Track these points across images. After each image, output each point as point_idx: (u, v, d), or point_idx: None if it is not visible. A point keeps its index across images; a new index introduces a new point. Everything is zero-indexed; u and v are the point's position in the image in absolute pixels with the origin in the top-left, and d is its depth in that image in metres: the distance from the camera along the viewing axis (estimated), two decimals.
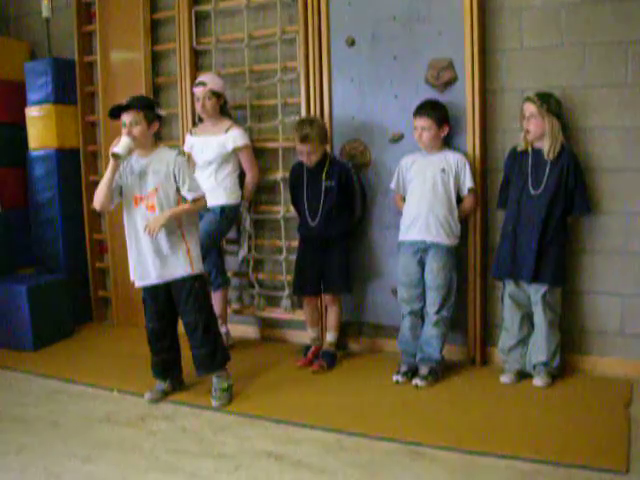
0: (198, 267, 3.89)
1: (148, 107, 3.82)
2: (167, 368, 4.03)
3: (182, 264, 3.82)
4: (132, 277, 3.91)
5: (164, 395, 4.00)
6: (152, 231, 3.69)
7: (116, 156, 3.67)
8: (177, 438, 3.47)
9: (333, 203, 4.33)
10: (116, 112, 3.80)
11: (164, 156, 3.83)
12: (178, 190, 3.81)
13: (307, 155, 4.30)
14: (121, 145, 3.67)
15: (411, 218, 4.14)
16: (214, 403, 3.86)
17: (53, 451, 3.36)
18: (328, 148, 4.53)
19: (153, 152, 3.84)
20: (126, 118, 3.74)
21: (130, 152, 3.73)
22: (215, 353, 3.91)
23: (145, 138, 3.78)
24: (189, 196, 3.79)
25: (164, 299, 3.91)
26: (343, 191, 4.36)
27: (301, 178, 4.43)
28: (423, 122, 4.08)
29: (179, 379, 4.10)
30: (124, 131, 3.73)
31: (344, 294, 4.52)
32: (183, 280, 3.84)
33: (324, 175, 4.34)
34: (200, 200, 3.85)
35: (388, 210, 4.50)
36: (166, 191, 3.78)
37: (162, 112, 3.93)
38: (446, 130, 4.12)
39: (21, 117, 5.55)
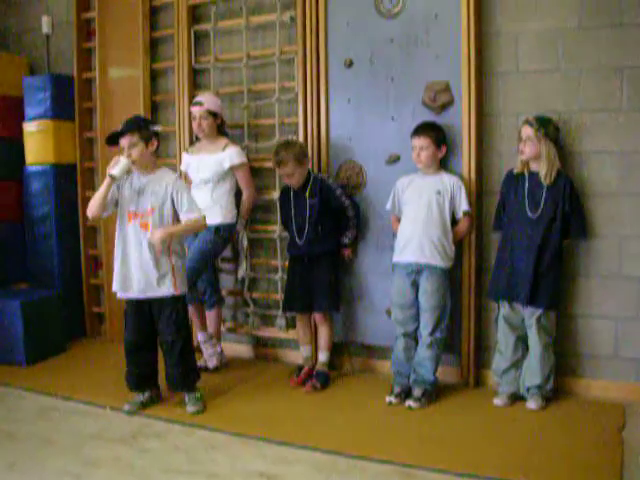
0: (181, 288, 3.98)
1: (143, 127, 3.89)
2: (143, 381, 4.08)
3: (166, 284, 3.90)
4: (114, 287, 3.98)
5: (142, 407, 4.04)
6: (156, 243, 3.76)
7: (112, 177, 3.75)
8: (169, 456, 3.45)
9: (317, 220, 4.35)
10: (113, 139, 3.89)
11: (164, 178, 3.92)
12: (175, 212, 3.88)
13: (287, 178, 4.35)
14: (119, 167, 3.76)
15: (405, 240, 4.14)
16: (189, 409, 3.97)
17: (44, 468, 3.33)
18: (323, 166, 4.60)
19: (154, 172, 3.93)
20: (123, 142, 3.84)
21: (128, 173, 3.83)
22: (188, 373, 4.04)
23: (144, 158, 3.87)
24: (188, 217, 3.88)
25: (146, 314, 3.99)
26: (326, 208, 4.38)
27: (289, 198, 4.47)
28: (421, 142, 4.09)
29: (156, 392, 4.15)
30: (125, 153, 3.81)
31: (331, 312, 4.52)
32: (165, 300, 3.93)
33: (307, 193, 4.37)
34: (199, 220, 3.93)
35: (382, 231, 4.50)
36: (162, 213, 3.87)
37: (158, 128, 4.00)
38: (444, 151, 4.13)
39: (19, 132, 5.56)
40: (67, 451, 3.54)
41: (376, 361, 4.69)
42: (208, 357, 4.68)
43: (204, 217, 3.98)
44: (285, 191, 4.54)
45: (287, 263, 4.64)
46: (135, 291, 3.91)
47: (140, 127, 3.88)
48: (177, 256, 3.93)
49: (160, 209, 3.86)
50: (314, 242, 4.38)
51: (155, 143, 3.92)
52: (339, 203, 4.41)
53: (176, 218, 3.92)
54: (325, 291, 4.41)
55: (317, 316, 4.49)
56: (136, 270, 3.87)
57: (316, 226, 4.36)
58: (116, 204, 3.93)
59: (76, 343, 5.51)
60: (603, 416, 3.79)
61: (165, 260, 3.87)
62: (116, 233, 3.95)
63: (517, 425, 3.73)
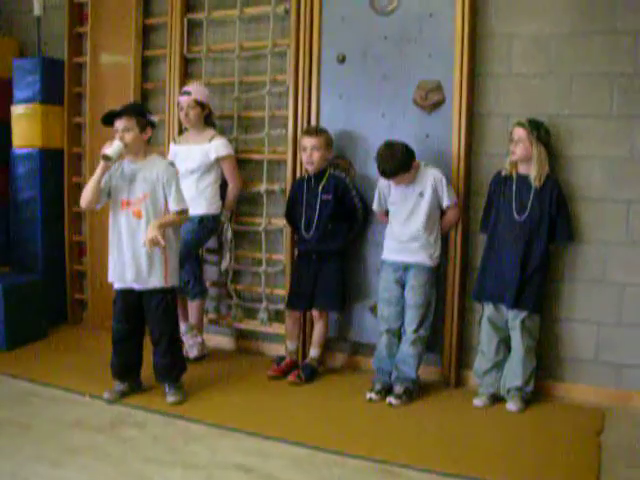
0: (172, 281, 3.99)
1: (141, 114, 3.90)
2: (127, 370, 4.09)
3: (157, 275, 3.90)
4: (110, 277, 3.99)
5: (122, 396, 4.04)
6: (155, 244, 3.73)
7: (106, 158, 3.74)
8: (148, 446, 3.44)
9: (329, 217, 4.34)
10: (109, 118, 3.87)
11: (155, 165, 3.92)
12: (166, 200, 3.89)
13: (310, 151, 4.31)
14: (113, 148, 3.75)
15: (393, 240, 4.16)
16: (169, 399, 3.97)
17: (22, 454, 3.31)
18: None
19: (145, 159, 3.93)
20: (119, 124, 3.82)
21: (121, 156, 3.81)
22: (175, 365, 4.06)
23: (137, 144, 3.86)
24: (174, 207, 3.88)
25: (135, 304, 4.00)
26: (340, 205, 4.36)
27: (301, 191, 4.45)
28: (398, 179, 4.07)
29: (137, 382, 4.15)
30: (117, 136, 3.80)
31: (333, 311, 4.54)
32: (155, 291, 3.93)
33: (321, 188, 4.35)
34: (184, 213, 3.95)
35: (373, 228, 4.50)
36: (154, 199, 3.86)
37: (155, 119, 4.01)
38: (416, 166, 4.07)
39: (7, 114, 5.51)
40: (45, 437, 3.52)
41: (360, 357, 4.69)
42: (189, 347, 4.67)
43: (188, 210, 4.00)
44: (297, 183, 4.54)
45: (281, 257, 4.68)
46: (129, 281, 3.92)
47: (138, 113, 3.90)
48: (170, 248, 3.92)
49: (152, 196, 3.86)
50: (324, 239, 4.37)
51: (149, 132, 3.94)
52: (352, 204, 4.40)
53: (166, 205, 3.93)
54: (330, 290, 4.41)
55: (315, 312, 4.49)
56: (128, 259, 3.88)
57: (327, 223, 4.35)
58: (108, 194, 3.91)
59: (57, 329, 5.48)
60: (582, 420, 3.82)
61: (157, 251, 3.86)
62: (109, 222, 3.95)
63: (496, 426, 3.74)
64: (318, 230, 4.37)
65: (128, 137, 3.80)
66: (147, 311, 3.98)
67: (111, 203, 3.93)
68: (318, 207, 4.36)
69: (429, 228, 4.09)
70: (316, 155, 4.31)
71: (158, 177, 3.86)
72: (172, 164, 4.03)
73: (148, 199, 3.85)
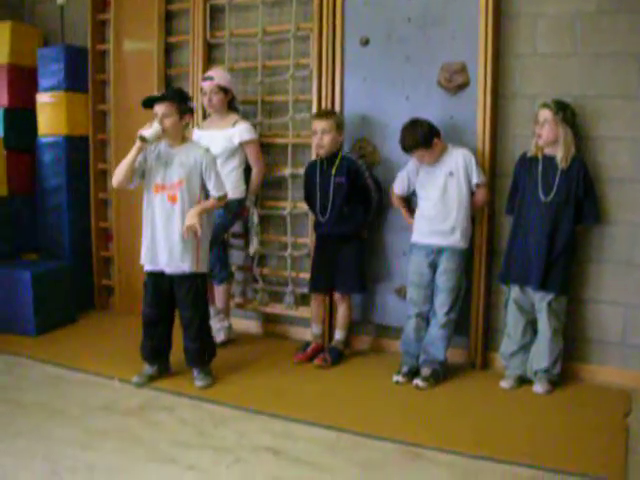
0: (203, 267, 4.02)
1: (181, 100, 3.90)
2: (156, 354, 4.12)
3: (189, 260, 3.91)
4: (142, 260, 4.01)
5: (150, 380, 4.08)
6: (193, 230, 3.78)
7: (143, 139, 3.74)
8: (176, 430, 3.48)
9: (343, 200, 4.32)
10: (150, 103, 3.88)
11: (192, 150, 3.93)
12: (203, 186, 3.91)
13: (321, 135, 4.29)
14: (151, 131, 3.76)
15: (426, 222, 4.14)
16: (198, 384, 4.00)
17: (52, 437, 3.36)
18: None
19: (182, 145, 3.94)
20: (158, 109, 3.83)
21: (158, 140, 3.83)
22: (205, 350, 4.08)
23: (176, 130, 3.88)
24: (214, 193, 3.91)
25: (165, 288, 4.02)
26: (354, 188, 4.34)
27: (314, 174, 4.43)
28: (418, 153, 4.07)
29: (166, 366, 4.19)
30: (157, 119, 3.81)
31: (355, 293, 4.54)
32: (186, 276, 3.95)
33: (334, 171, 4.34)
34: (224, 198, 3.99)
35: (395, 211, 4.49)
36: (190, 185, 3.88)
37: (194, 105, 4.05)
38: (439, 144, 4.06)
39: (32, 103, 5.55)
40: (74, 421, 3.56)
41: (386, 340, 4.69)
42: (216, 332, 4.68)
43: (227, 195, 4.04)
44: (311, 166, 4.52)
45: (304, 240, 4.72)
46: (162, 264, 3.95)
47: (180, 99, 3.90)
48: (203, 234, 3.91)
49: (188, 181, 3.87)
50: (339, 222, 4.36)
51: (188, 119, 3.96)
52: (366, 186, 4.37)
53: (203, 190, 3.94)
54: (350, 272, 4.41)
55: (337, 295, 4.50)
56: (162, 242, 3.90)
57: (341, 206, 4.33)
58: (142, 176, 3.93)
59: (85, 315, 5.53)
60: (609, 402, 3.81)
61: (191, 238, 3.86)
62: (143, 205, 3.97)
63: (523, 408, 3.74)
64: (333, 213, 4.36)
65: (167, 122, 3.81)
66: (178, 296, 4.01)
67: (144, 186, 3.96)
68: (332, 191, 4.35)
69: (461, 207, 4.07)
70: (327, 138, 4.30)
71: (196, 162, 3.87)
72: (209, 150, 4.02)
73: (184, 185, 3.86)
